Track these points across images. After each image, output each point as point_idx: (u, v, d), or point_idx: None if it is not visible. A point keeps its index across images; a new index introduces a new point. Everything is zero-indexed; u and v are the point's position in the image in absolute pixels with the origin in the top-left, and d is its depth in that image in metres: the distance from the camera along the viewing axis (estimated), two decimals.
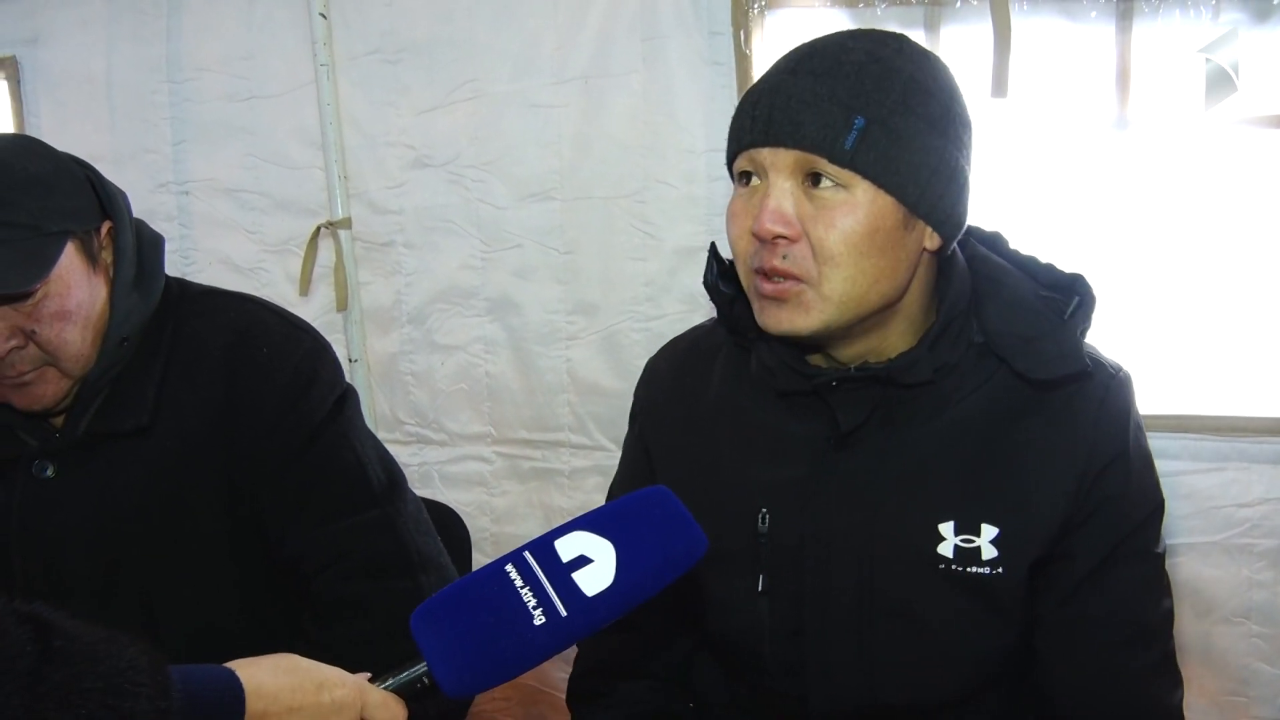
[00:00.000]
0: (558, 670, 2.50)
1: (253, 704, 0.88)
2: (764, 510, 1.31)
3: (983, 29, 2.01)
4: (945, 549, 1.24)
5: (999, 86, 2.00)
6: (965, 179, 1.21)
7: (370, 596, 1.43)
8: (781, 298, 1.19)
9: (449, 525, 1.93)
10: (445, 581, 1.48)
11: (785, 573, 1.30)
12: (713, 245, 1.38)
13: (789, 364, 1.29)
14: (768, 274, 1.19)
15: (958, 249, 1.30)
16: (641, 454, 1.48)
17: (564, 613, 0.94)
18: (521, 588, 0.95)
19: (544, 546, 0.97)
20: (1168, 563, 1.94)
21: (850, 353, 1.27)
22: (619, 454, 2.35)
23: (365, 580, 1.44)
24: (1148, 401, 2.02)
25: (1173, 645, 1.30)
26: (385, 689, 0.96)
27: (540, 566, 0.96)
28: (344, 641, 1.40)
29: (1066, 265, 1.32)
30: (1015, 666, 1.31)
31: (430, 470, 2.61)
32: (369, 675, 0.97)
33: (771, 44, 2.19)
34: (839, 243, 1.15)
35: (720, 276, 1.36)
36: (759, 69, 2.20)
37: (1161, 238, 2.04)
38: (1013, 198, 2.09)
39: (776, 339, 1.26)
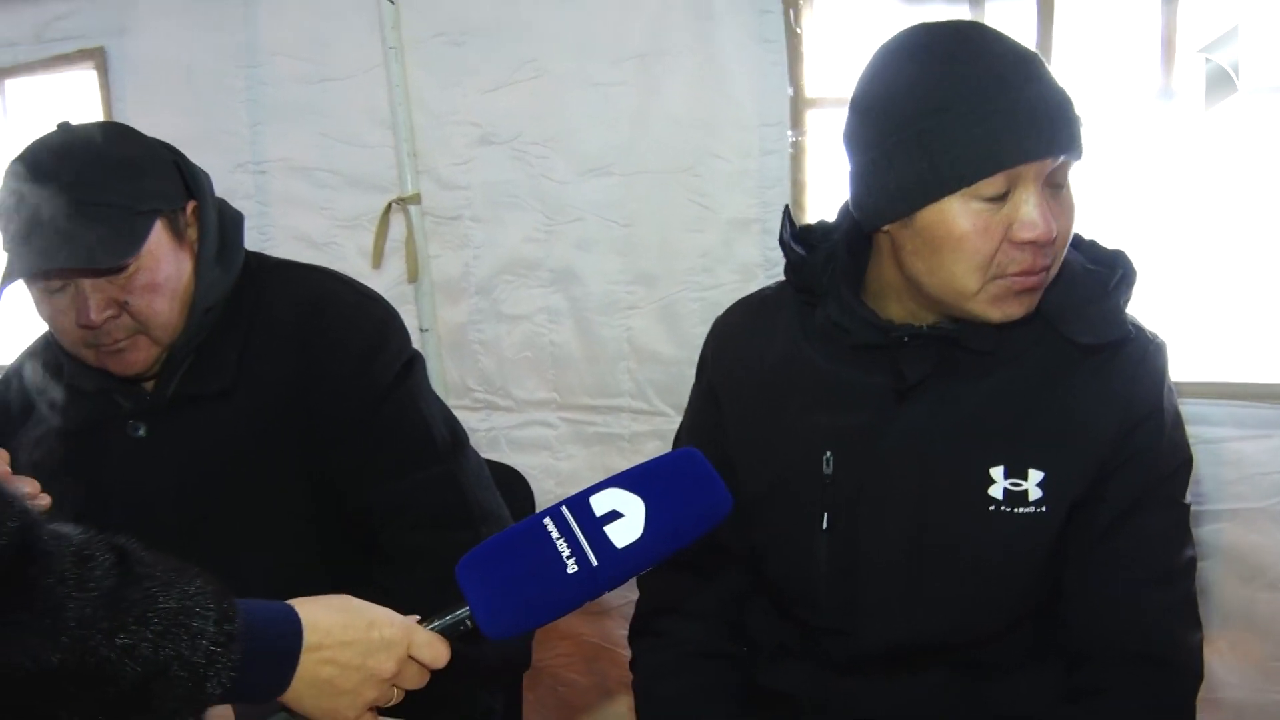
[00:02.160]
0: (619, 628, 2.58)
1: (309, 636, 0.96)
2: (828, 453, 1.40)
3: (1026, 2, 2.03)
4: (996, 491, 1.33)
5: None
6: None
7: (434, 546, 1.51)
8: (1037, 288, 1.27)
9: (512, 485, 2.00)
10: None
11: (844, 513, 1.39)
12: (786, 208, 1.49)
13: (868, 319, 1.37)
14: (1034, 272, 1.25)
15: None
16: (710, 403, 1.55)
17: (595, 562, 1.01)
18: (557, 539, 1.02)
19: (580, 502, 1.04)
20: (1212, 527, 1.98)
21: (933, 315, 1.36)
22: (677, 419, 2.43)
23: (429, 531, 1.54)
24: (1195, 369, 2.07)
25: (1194, 591, 1.38)
26: (431, 630, 1.04)
27: (575, 520, 1.03)
28: (409, 587, 1.48)
29: (1110, 239, 1.41)
30: (1047, 602, 1.39)
31: (498, 435, 2.68)
32: (418, 618, 1.05)
33: (820, 22, 2.23)
34: (1068, 230, 1.27)
35: (793, 238, 1.45)
36: (809, 46, 2.24)
37: (1206, 207, 2.04)
38: None
39: (850, 298, 1.37)
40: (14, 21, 2.96)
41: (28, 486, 1.21)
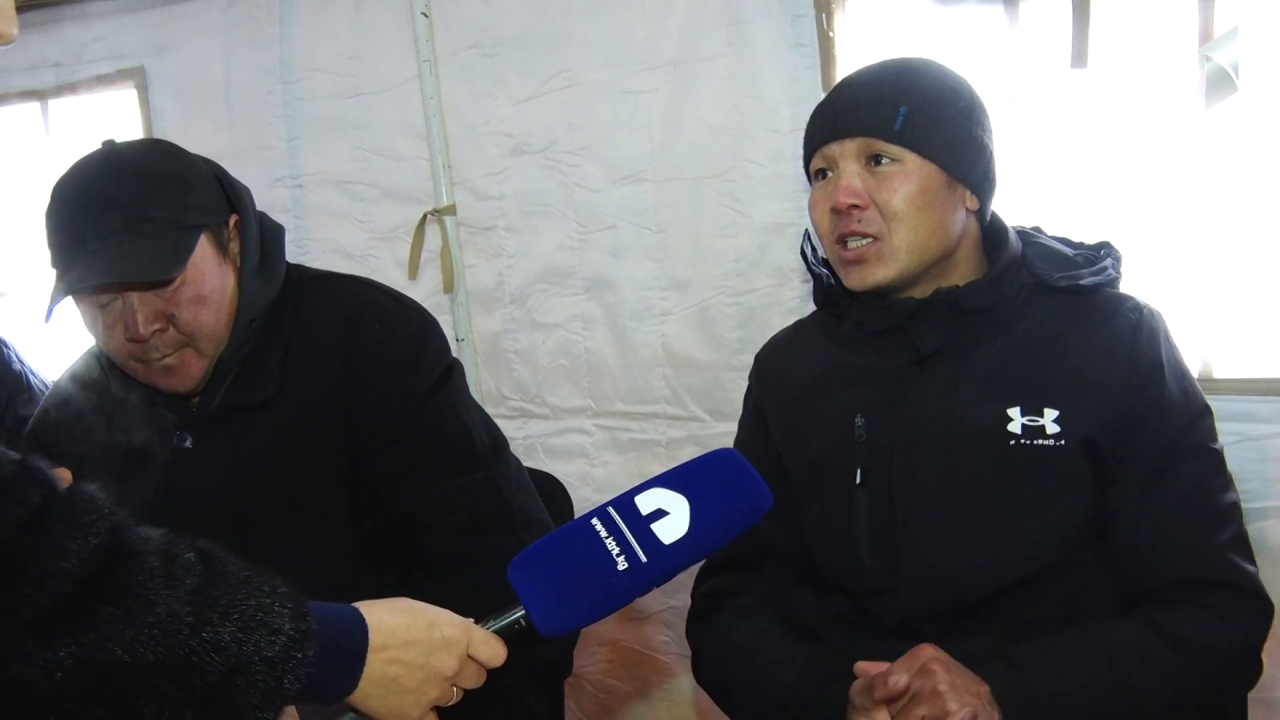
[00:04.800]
0: (658, 634, 2.60)
1: (374, 637, 0.99)
2: (859, 418, 1.54)
3: (1062, 1, 2.02)
4: (1014, 427, 1.46)
5: (1079, 57, 2.02)
6: (990, 153, 1.54)
7: (476, 551, 1.53)
8: (861, 258, 1.50)
9: (553, 493, 2.02)
10: None
11: (878, 470, 1.51)
12: (806, 231, 1.68)
13: (877, 305, 1.55)
14: (846, 239, 1.50)
15: (1006, 225, 1.60)
16: (756, 415, 1.71)
17: (644, 559, 1.04)
18: (606, 538, 1.05)
19: (625, 502, 1.08)
20: (1258, 525, 1.96)
21: (920, 293, 1.55)
22: (713, 424, 2.47)
23: (470, 536, 1.55)
24: (1239, 366, 2.05)
25: (1245, 532, 1.48)
26: (488, 630, 1.07)
27: (622, 519, 1.06)
28: (453, 593, 1.49)
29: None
30: (1083, 551, 1.47)
31: (534, 443, 2.69)
32: (474, 619, 1.08)
33: (853, 25, 2.23)
34: (901, 203, 1.47)
35: (814, 258, 1.66)
36: (842, 50, 2.24)
37: (1247, 204, 2.01)
38: (1095, 166, 2.09)
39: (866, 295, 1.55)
40: (55, 43, 3.02)
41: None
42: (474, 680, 1.07)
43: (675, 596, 2.48)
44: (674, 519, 1.06)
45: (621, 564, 1.04)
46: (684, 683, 2.58)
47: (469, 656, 1.05)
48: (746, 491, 1.10)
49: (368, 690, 0.99)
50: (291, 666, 0.91)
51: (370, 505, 1.61)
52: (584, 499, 2.63)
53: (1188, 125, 2.04)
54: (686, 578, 1.72)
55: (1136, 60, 2.06)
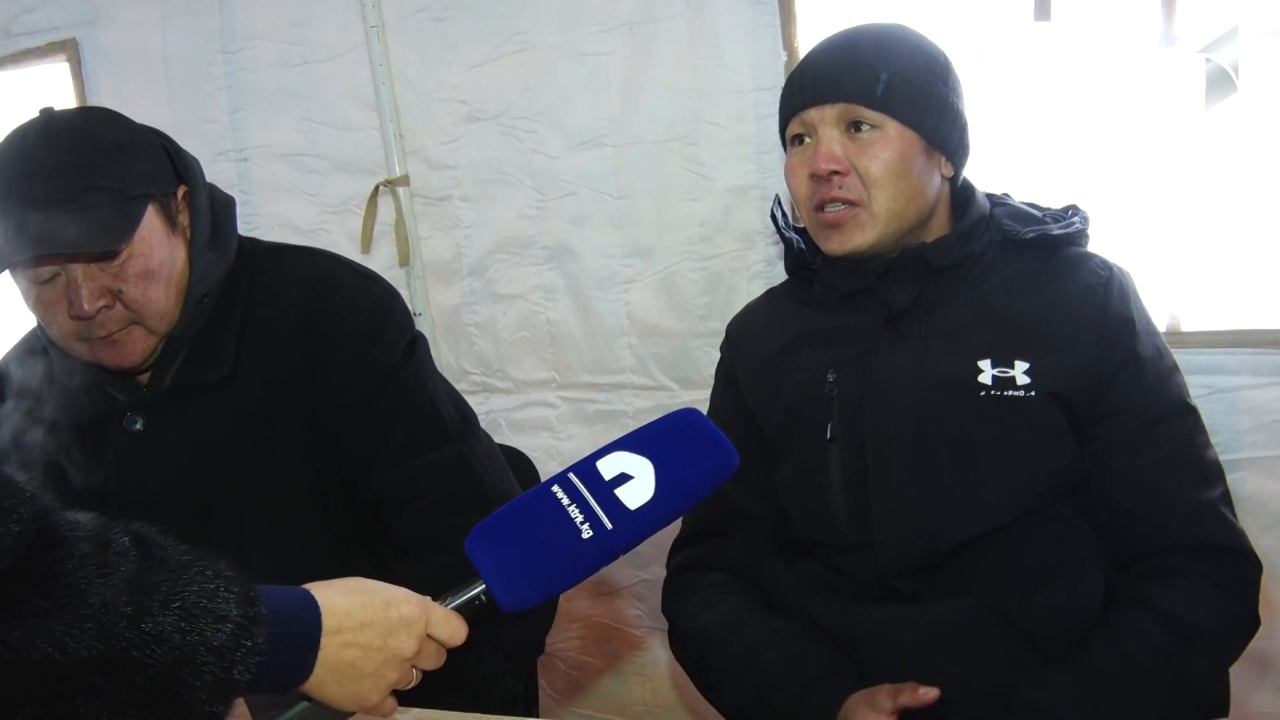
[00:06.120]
0: (630, 608, 2.57)
1: (328, 620, 0.94)
2: (831, 374, 1.54)
3: None
4: (985, 379, 1.47)
5: (1042, 10, 1.99)
6: (965, 121, 1.56)
7: (449, 531, 1.45)
8: (840, 223, 1.50)
9: (519, 469, 1.96)
10: None
11: (850, 424, 1.52)
12: (776, 196, 1.72)
13: (848, 267, 1.56)
14: (825, 205, 1.50)
15: (973, 185, 1.62)
16: (729, 380, 1.71)
17: (610, 525, 0.99)
18: (568, 505, 1.01)
19: (587, 467, 1.03)
20: (1230, 477, 1.95)
21: (891, 255, 1.55)
22: (681, 393, 2.43)
23: (444, 516, 1.50)
24: (1206, 318, 2.05)
25: (1229, 491, 1.51)
26: (447, 607, 1.02)
27: (585, 485, 1.02)
28: (427, 575, 1.45)
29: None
30: (1059, 505, 1.47)
31: (497, 418, 2.64)
32: (431, 596, 1.03)
33: None
34: (881, 169, 1.48)
35: (784, 223, 1.68)
36: (802, 7, 2.20)
37: (1211, 156, 2.00)
38: (1058, 121, 2.07)
39: (837, 259, 1.55)
40: None
41: None
42: (434, 661, 1.02)
43: (646, 570, 2.45)
44: (639, 483, 1.01)
45: (586, 532, 0.99)
46: (657, 656, 2.56)
47: (428, 636, 1.01)
48: (712, 451, 1.06)
49: (323, 676, 0.94)
50: (241, 655, 0.85)
51: (337, 487, 1.57)
52: (550, 473, 2.56)
53: (1151, 79, 2.02)
54: (657, 550, 1.70)
55: (1100, 12, 2.03)
